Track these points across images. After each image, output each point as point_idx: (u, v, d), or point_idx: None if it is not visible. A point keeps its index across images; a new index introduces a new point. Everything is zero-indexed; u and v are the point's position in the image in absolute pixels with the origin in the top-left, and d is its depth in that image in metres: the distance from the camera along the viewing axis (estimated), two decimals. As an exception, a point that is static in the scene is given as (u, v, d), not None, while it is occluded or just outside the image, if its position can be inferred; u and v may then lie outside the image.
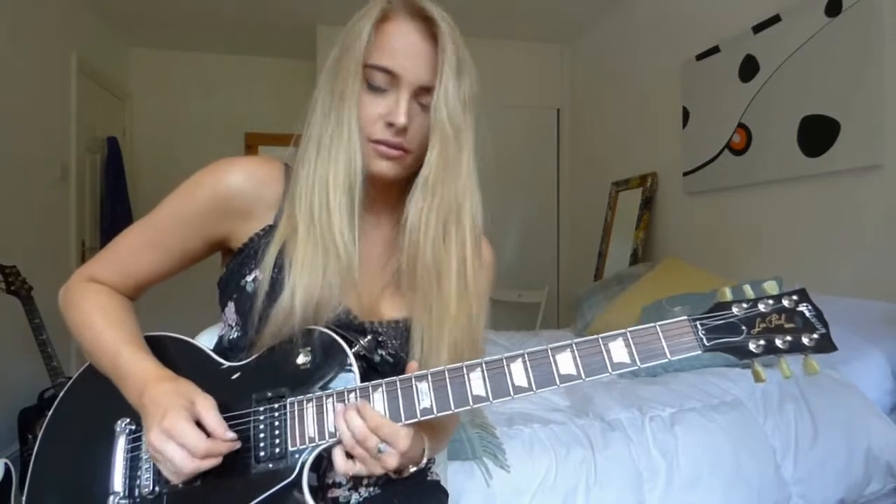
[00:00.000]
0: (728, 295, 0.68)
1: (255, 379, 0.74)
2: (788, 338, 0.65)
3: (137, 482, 0.73)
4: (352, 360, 0.71)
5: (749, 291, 0.68)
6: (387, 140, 0.74)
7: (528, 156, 4.24)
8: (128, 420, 0.76)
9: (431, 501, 0.85)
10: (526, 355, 0.67)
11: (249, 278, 0.78)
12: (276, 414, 0.71)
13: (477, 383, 0.67)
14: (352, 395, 0.69)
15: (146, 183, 4.28)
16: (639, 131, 3.43)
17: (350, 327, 0.76)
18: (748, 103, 2.47)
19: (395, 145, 0.74)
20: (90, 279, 0.82)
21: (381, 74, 0.74)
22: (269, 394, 0.72)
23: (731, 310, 0.67)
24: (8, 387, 2.76)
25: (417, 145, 0.76)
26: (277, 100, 4.44)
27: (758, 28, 2.41)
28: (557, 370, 0.66)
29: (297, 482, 0.68)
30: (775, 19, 2.32)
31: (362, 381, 0.70)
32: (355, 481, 0.77)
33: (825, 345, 0.65)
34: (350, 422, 0.66)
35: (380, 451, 0.66)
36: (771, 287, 0.68)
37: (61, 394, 0.83)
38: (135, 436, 0.76)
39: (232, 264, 0.81)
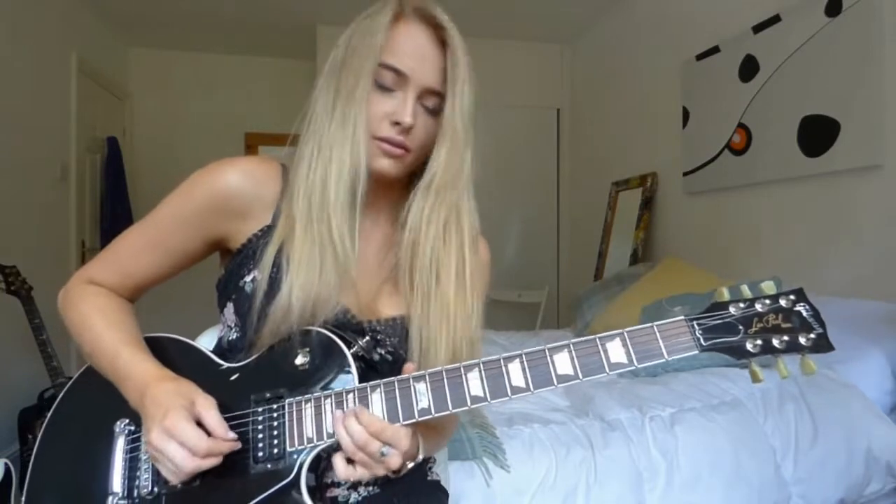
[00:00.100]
0: (725, 295, 0.68)
1: (253, 380, 0.75)
2: (785, 337, 0.65)
3: (136, 483, 0.73)
4: (350, 361, 0.71)
5: (746, 291, 0.68)
6: (391, 138, 0.75)
7: (528, 156, 4.24)
8: (127, 421, 0.76)
9: (431, 501, 0.85)
10: (523, 355, 0.67)
11: (248, 279, 0.78)
12: (275, 414, 0.71)
13: (475, 384, 0.67)
14: (350, 396, 0.69)
15: (146, 183, 4.28)
16: (639, 131, 3.43)
17: (348, 327, 0.77)
18: (748, 103, 2.47)
19: (399, 144, 0.76)
20: (89, 281, 0.83)
21: (390, 74, 0.75)
22: (268, 394, 0.72)
23: (728, 310, 0.67)
24: (8, 387, 2.77)
25: (418, 146, 0.78)
26: (277, 100, 4.43)
27: (758, 28, 2.41)
28: (555, 370, 0.67)
29: (295, 482, 0.68)
30: (775, 19, 2.32)
31: (361, 380, 0.70)
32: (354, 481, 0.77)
33: (822, 344, 0.65)
34: (349, 428, 0.66)
35: (383, 454, 0.66)
36: (768, 287, 0.67)
37: (61, 394, 0.83)
38: (134, 436, 0.76)
39: (231, 265, 0.81)
